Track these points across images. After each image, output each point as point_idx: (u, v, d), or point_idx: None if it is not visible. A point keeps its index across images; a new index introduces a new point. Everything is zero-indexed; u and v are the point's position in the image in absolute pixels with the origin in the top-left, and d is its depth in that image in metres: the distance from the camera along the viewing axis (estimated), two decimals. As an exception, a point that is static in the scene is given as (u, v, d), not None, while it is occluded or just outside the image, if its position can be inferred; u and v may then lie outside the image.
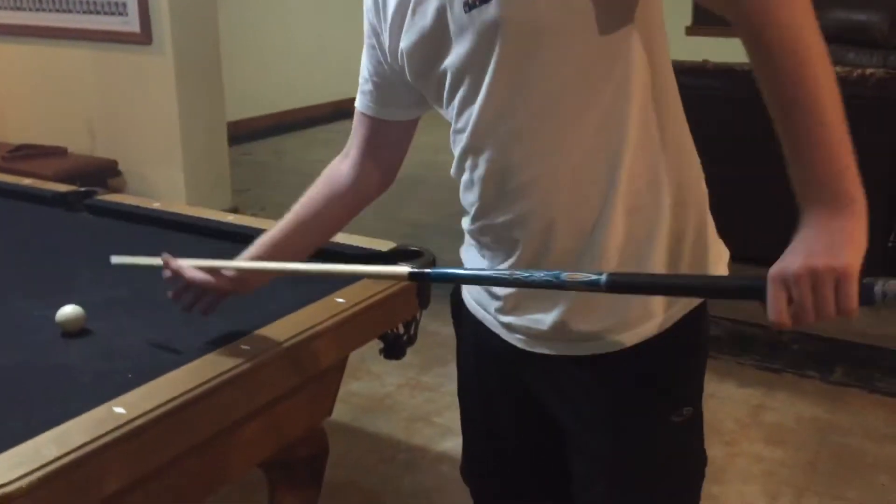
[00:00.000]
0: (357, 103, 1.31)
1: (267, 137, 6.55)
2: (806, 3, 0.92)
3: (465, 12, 1.03)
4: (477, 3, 1.02)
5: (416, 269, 1.17)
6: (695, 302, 1.17)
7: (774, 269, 0.92)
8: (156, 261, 1.41)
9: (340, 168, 1.34)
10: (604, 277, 0.99)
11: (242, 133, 6.08)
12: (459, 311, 1.37)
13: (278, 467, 1.92)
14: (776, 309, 0.91)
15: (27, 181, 2.50)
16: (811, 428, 2.64)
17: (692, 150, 1.17)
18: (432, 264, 1.86)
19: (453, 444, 2.55)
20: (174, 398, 1.26)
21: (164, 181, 4.17)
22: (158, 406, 1.24)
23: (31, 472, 1.06)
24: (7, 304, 1.68)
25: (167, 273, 1.39)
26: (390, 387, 2.91)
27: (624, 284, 1.03)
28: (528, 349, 1.21)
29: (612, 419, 1.19)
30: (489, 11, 1.01)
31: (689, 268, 1.15)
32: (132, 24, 3.99)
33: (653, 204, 1.10)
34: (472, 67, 1.07)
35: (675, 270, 1.14)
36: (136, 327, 1.53)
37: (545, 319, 1.16)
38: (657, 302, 1.14)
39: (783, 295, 0.90)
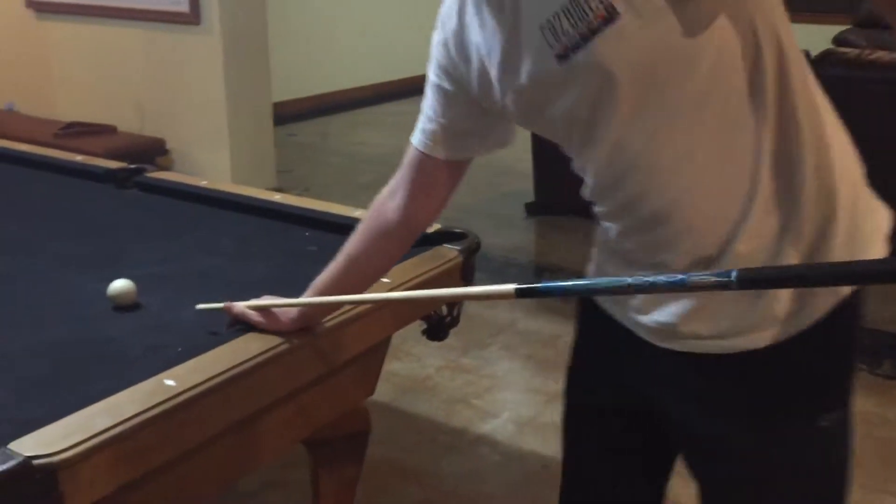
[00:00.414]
0: (415, 140, 1.26)
1: (312, 119, 6.58)
2: None
3: (559, 64, 1.00)
4: (569, 52, 0.98)
5: (523, 286, 1.04)
6: (841, 296, 1.08)
7: None
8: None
9: (389, 207, 1.30)
10: (734, 275, 0.90)
11: (288, 114, 6.12)
12: (585, 306, 1.31)
13: (321, 444, 1.94)
14: None
15: (79, 157, 2.55)
16: (858, 421, 2.59)
17: (832, 123, 1.08)
18: (476, 247, 1.86)
19: (492, 426, 2.56)
20: (223, 372, 1.28)
21: (209, 160, 4.22)
22: (208, 379, 1.26)
23: (82, 441, 1.09)
24: (61, 278, 1.72)
25: (228, 322, 1.42)
26: (430, 368, 2.92)
27: (756, 280, 0.95)
28: (663, 345, 1.14)
29: (756, 422, 1.13)
30: (586, 58, 0.98)
31: (841, 249, 1.06)
32: (182, 3, 4.03)
33: (792, 196, 1.04)
34: (582, 114, 1.04)
35: (825, 254, 1.05)
36: (184, 302, 1.55)
37: (684, 315, 1.10)
38: (799, 298, 1.06)
39: None
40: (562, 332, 3.15)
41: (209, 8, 3.99)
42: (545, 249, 4.17)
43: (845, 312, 1.08)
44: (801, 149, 1.03)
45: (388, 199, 1.31)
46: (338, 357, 1.52)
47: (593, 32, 0.96)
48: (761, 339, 1.07)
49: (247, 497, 2.24)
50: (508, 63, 1.08)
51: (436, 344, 3.01)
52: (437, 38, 1.20)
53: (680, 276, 0.92)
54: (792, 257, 1.05)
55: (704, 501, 1.23)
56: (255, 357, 1.33)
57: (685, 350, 1.12)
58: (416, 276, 1.66)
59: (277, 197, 2.16)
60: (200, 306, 1.47)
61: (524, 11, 1.04)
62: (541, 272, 3.86)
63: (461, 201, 4.89)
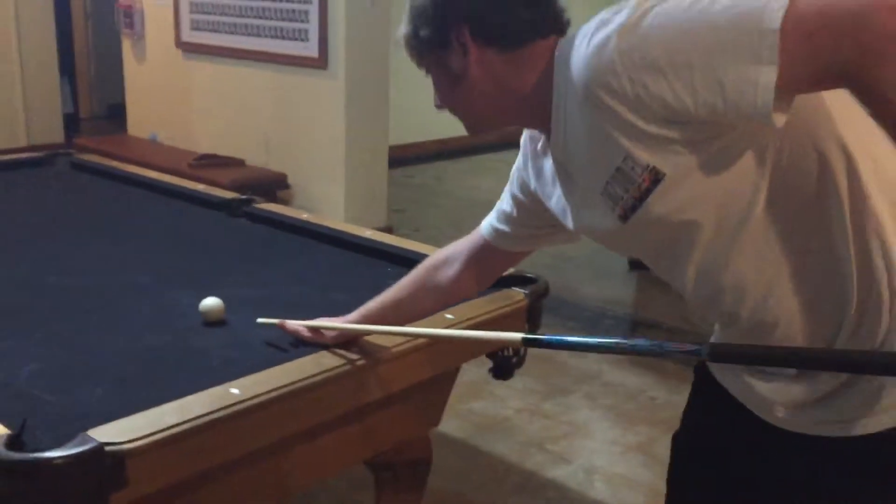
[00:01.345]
0: (484, 231, 1.42)
1: (431, 162, 6.81)
2: None
3: (623, 223, 1.07)
4: (628, 214, 1.06)
5: (529, 336, 1.20)
6: None
7: None
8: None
9: (443, 272, 1.47)
10: (705, 348, 0.99)
11: (408, 156, 6.35)
12: (703, 376, 1.32)
13: (384, 468, 2.04)
14: None
15: (200, 186, 2.78)
16: None
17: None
18: (545, 292, 1.94)
19: (562, 472, 2.58)
20: (284, 386, 1.40)
21: (326, 195, 4.46)
22: (269, 391, 1.38)
23: (150, 434, 1.23)
24: (163, 293, 1.90)
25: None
26: (510, 410, 2.98)
27: (725, 354, 1.07)
28: (780, 425, 1.15)
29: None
30: (645, 216, 1.04)
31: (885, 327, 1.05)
32: (312, 49, 4.31)
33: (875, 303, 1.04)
34: (659, 251, 1.13)
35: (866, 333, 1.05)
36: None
37: (807, 398, 1.11)
38: None
39: None
40: (646, 387, 3.14)
41: (336, 54, 4.25)
42: (643, 304, 4.15)
43: None
44: (876, 259, 1.03)
45: (445, 266, 1.47)
46: (396, 384, 1.62)
47: (645, 194, 1.03)
48: (879, 423, 1.07)
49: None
50: (576, 216, 1.20)
51: (518, 386, 3.10)
52: (518, 158, 1.34)
53: (658, 343, 1.02)
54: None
55: None
56: (315, 375, 1.45)
57: (798, 430, 1.13)
58: (480, 315, 1.75)
59: (368, 233, 2.30)
60: (261, 320, 1.63)
61: (577, 178, 1.14)
62: (636, 326, 3.85)
63: (564, 250, 4.95)
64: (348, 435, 1.75)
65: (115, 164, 3.14)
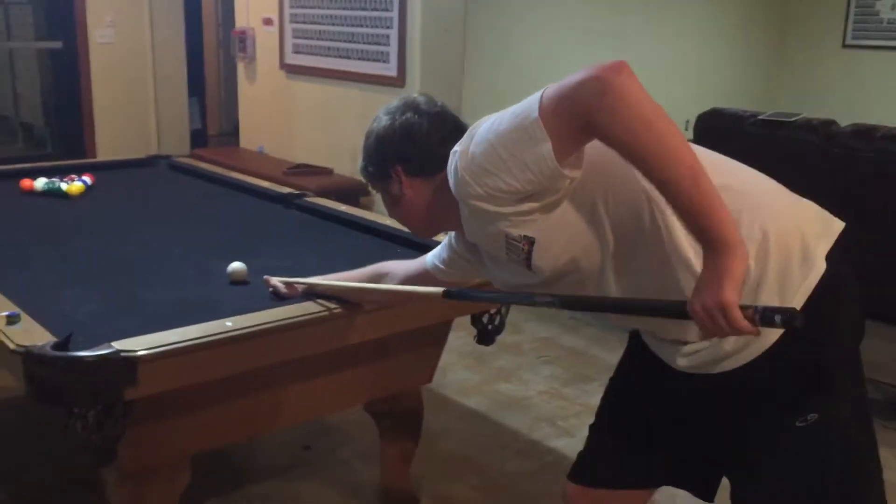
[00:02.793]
0: (428, 262, 1.78)
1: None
2: (642, 110, 1.19)
3: (533, 270, 1.42)
4: (530, 265, 1.40)
5: (451, 289, 1.62)
6: (778, 336, 1.36)
7: (688, 304, 1.23)
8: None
9: (385, 282, 1.84)
10: (557, 299, 1.40)
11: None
12: (633, 336, 1.68)
13: (382, 416, 2.41)
14: (700, 331, 1.24)
15: (265, 183, 3.25)
16: None
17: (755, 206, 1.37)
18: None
19: (564, 443, 2.86)
20: (268, 322, 1.80)
21: (402, 202, 4.86)
22: (256, 325, 1.78)
23: (156, 346, 1.64)
24: (208, 261, 2.33)
25: (269, 289, 2.02)
26: (533, 391, 3.27)
27: (572, 303, 1.44)
28: (680, 369, 1.49)
29: (740, 426, 1.48)
30: (540, 269, 1.41)
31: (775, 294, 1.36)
32: (391, 69, 4.76)
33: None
34: (584, 287, 1.45)
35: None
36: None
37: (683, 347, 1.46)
38: (743, 340, 1.37)
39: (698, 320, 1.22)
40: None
41: (413, 73, 4.68)
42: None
43: (798, 344, 1.36)
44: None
45: (385, 280, 1.85)
46: (368, 334, 1.97)
47: (529, 255, 1.40)
48: (729, 364, 1.43)
49: (341, 463, 2.74)
50: (497, 278, 1.57)
51: (545, 372, 3.41)
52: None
53: (529, 294, 1.46)
54: None
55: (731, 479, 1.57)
56: (296, 317, 1.84)
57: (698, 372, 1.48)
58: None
59: (389, 221, 2.67)
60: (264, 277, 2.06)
61: (489, 253, 1.52)
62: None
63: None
64: (342, 380, 2.13)
65: (204, 165, 3.66)
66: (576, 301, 1.46)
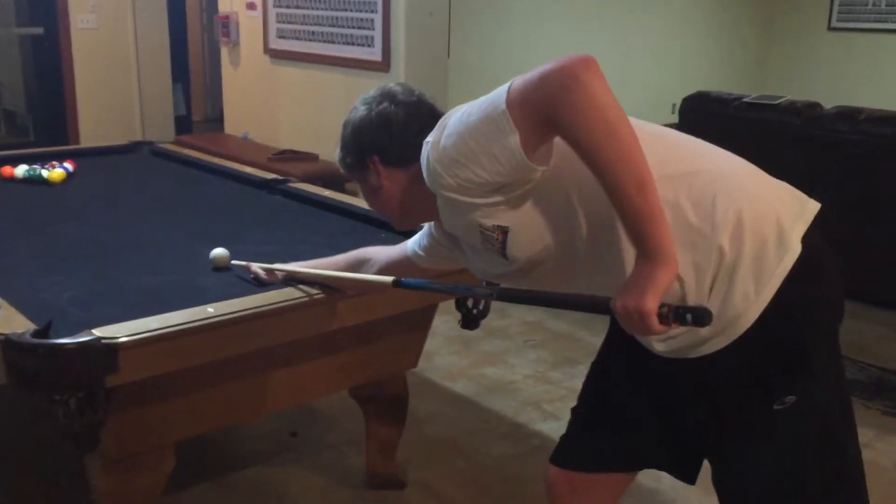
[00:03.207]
0: (408, 248, 1.77)
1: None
2: (606, 113, 1.20)
3: (508, 259, 1.42)
4: (505, 254, 1.40)
5: (399, 279, 1.66)
6: (762, 306, 1.36)
7: (612, 301, 1.26)
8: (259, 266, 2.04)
9: (367, 270, 1.83)
10: (496, 291, 1.48)
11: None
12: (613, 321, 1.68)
13: (367, 400, 2.41)
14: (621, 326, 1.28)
15: (249, 169, 3.23)
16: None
17: (716, 194, 1.35)
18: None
19: (550, 426, 2.87)
20: (250, 308, 1.79)
21: (388, 188, 4.85)
22: (237, 311, 1.77)
23: (136, 333, 1.63)
24: (191, 247, 2.32)
25: (251, 275, 2.02)
26: (519, 375, 3.28)
27: (507, 295, 1.48)
28: (659, 353, 1.49)
29: (719, 410, 1.48)
30: (516, 258, 1.40)
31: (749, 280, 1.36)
32: (376, 54, 4.74)
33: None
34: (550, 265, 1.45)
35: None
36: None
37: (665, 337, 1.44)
38: (734, 313, 1.36)
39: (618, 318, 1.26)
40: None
41: (397, 58, 4.66)
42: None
43: (774, 328, 1.37)
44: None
45: (366, 265, 1.85)
46: (341, 320, 1.96)
47: (503, 245, 1.40)
48: (706, 349, 1.43)
49: (328, 449, 2.74)
50: (475, 267, 1.56)
51: (531, 356, 3.42)
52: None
53: (469, 286, 1.54)
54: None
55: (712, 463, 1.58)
56: (277, 303, 1.83)
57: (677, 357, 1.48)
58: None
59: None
60: (234, 262, 2.07)
61: (466, 242, 1.50)
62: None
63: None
64: (326, 365, 2.13)
65: (187, 151, 3.64)
66: (510, 293, 1.50)
